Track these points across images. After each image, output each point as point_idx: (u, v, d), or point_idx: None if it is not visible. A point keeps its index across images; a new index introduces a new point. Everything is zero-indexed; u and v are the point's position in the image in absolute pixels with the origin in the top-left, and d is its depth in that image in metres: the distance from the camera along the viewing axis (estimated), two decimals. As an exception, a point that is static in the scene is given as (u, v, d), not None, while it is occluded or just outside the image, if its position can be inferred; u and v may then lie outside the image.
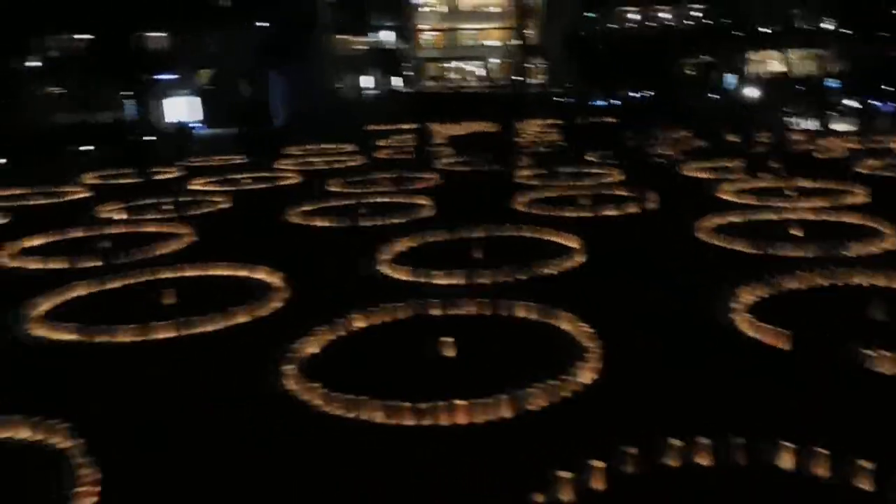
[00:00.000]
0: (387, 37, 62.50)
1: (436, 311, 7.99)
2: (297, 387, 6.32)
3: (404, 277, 9.43)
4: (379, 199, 14.95)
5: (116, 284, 9.68)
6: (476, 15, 66.36)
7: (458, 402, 5.65)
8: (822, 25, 41.19)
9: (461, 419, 5.64)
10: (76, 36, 38.21)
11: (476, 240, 10.72)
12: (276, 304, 8.60)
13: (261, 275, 9.73)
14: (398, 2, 60.56)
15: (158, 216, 14.18)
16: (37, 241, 12.33)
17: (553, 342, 7.10)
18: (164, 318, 7.96)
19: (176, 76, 35.96)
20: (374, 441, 5.50)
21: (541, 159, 19.26)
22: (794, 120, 23.34)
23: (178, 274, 9.94)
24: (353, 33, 53.54)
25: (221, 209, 15.02)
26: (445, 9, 66.38)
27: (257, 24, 37.28)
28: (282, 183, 18.25)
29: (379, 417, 5.74)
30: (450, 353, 6.89)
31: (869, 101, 22.37)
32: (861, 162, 15.89)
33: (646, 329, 7.34)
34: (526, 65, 59.01)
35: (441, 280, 9.15)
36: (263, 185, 17.89)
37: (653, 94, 27.19)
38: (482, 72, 67.12)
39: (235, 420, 5.96)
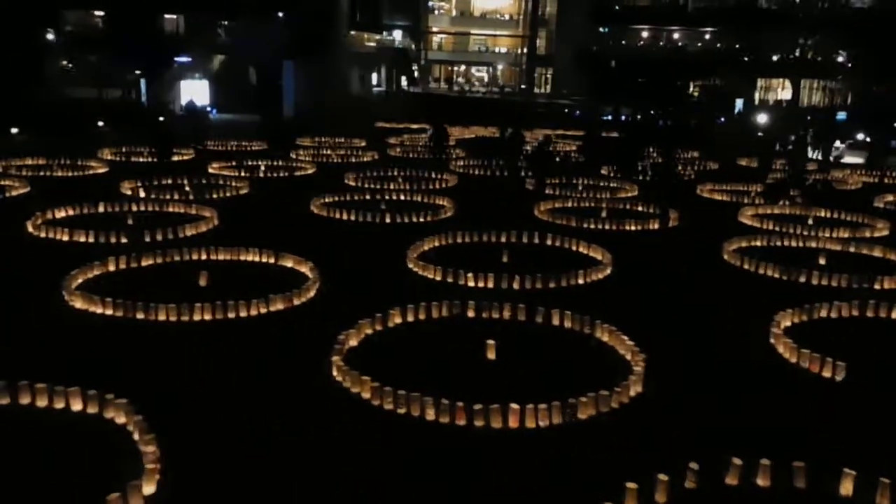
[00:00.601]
0: (398, 36, 62.59)
1: (484, 314, 8.05)
2: (346, 378, 6.36)
3: (435, 276, 9.48)
4: (398, 197, 14.99)
5: (150, 262, 9.68)
6: (487, 21, 66.54)
7: (513, 405, 5.70)
8: (837, 58, 41.57)
9: (512, 422, 5.69)
10: (95, 13, 38.14)
11: (505, 245, 10.80)
12: (310, 294, 8.63)
13: (290, 263, 9.77)
14: (412, 2, 60.62)
15: (180, 197, 14.17)
16: (61, 214, 12.30)
17: (596, 352, 7.17)
18: (202, 299, 7.95)
19: (190, 59, 35.85)
20: (423, 438, 5.54)
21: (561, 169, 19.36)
22: (808, 149, 23.51)
23: (211, 257, 9.96)
24: (367, 30, 53.59)
25: (240, 194, 15.02)
26: (457, 13, 66.54)
27: (279, 14, 37.28)
28: (299, 173, 18.27)
29: (429, 415, 5.79)
30: (492, 355, 6.95)
31: (881, 136, 22.59)
32: (880, 196, 16.07)
33: (687, 344, 7.40)
34: (535, 74, 59.27)
35: (472, 282, 9.22)
36: (282, 174, 17.90)
37: (670, 114, 27.26)
38: (488, 77, 67.33)
39: (285, 408, 5.98)
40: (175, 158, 19.59)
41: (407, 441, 5.50)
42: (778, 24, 42.12)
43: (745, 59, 44.84)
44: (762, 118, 29.93)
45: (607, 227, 12.74)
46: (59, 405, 5.65)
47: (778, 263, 10.08)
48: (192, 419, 5.65)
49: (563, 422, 5.68)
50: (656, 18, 50.49)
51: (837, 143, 24.11)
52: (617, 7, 50.72)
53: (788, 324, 7.94)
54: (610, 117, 36.04)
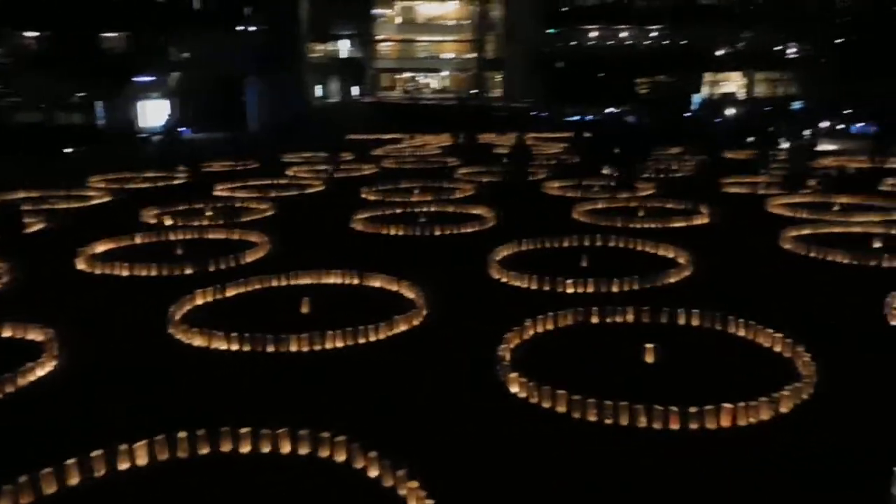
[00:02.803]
0: (345, 46, 62.18)
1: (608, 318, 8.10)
2: (519, 386, 6.33)
3: (526, 285, 9.49)
4: (429, 209, 14.89)
5: (236, 292, 9.36)
6: (433, 27, 66.75)
7: (726, 405, 5.74)
8: (786, 50, 43.45)
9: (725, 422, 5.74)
10: (32, 34, 36.48)
11: (583, 249, 10.91)
12: (423, 312, 8.50)
13: (378, 282, 9.62)
14: (358, 11, 60.26)
15: (210, 222, 13.74)
16: (104, 247, 11.76)
17: (755, 357, 7.28)
18: (322, 327, 7.72)
19: (151, 78, 34.76)
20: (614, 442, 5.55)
21: (557, 172, 19.59)
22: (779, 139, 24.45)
23: (295, 282, 9.71)
24: (316, 41, 53.06)
25: (269, 215, 14.65)
26: (402, 20, 66.51)
27: (243, 27, 36.60)
28: (310, 191, 17.96)
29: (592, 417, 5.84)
30: (649, 358, 7.01)
31: (850, 123, 23.77)
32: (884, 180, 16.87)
33: (833, 342, 7.50)
34: (487, 78, 59.76)
35: (570, 289, 9.26)
36: (294, 192, 17.54)
37: (644, 110, 28.01)
38: (437, 83, 67.51)
39: (462, 414, 5.90)
40: (175, 182, 19.06)
41: (594, 446, 5.49)
42: (720, 20, 43.85)
43: (692, 55, 46.43)
44: (729, 111, 31.03)
45: (653, 225, 12.97)
46: (266, 449, 5.42)
47: (844, 249, 10.48)
48: (412, 445, 5.49)
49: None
50: (603, 18, 51.72)
51: (806, 132, 25.13)
52: (565, 8, 51.72)
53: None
54: (578, 118, 36.69)
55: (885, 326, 7.96)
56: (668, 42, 49.75)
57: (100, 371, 7.13)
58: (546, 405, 6.11)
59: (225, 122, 33.49)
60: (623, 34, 52.83)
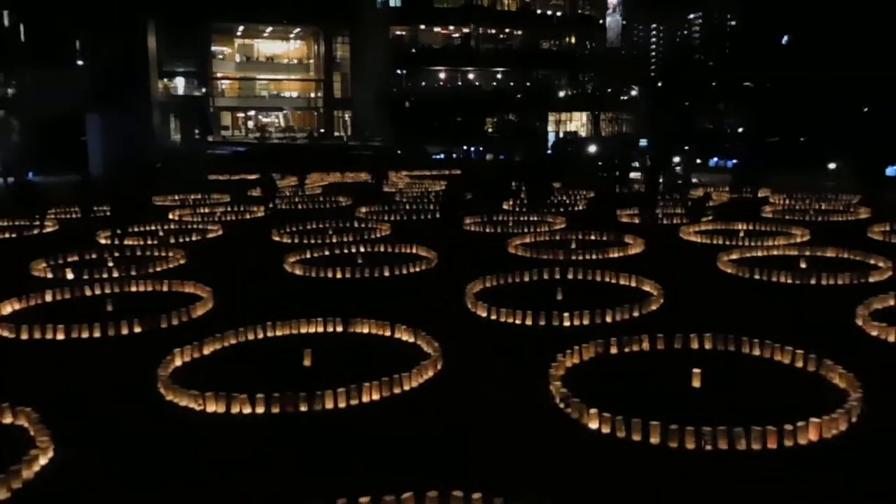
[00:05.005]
0: (181, 83, 59.33)
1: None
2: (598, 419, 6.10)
3: (514, 321, 9.29)
4: (363, 249, 14.27)
5: (213, 348, 8.30)
6: (274, 66, 65.49)
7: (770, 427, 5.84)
8: (630, 91, 47.19)
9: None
10: None
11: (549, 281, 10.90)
12: (436, 355, 8.00)
13: (366, 329, 8.98)
14: (195, 48, 57.78)
15: (121, 274, 12.21)
16: (9, 308, 10.02)
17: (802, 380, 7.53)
18: (337, 382, 7.01)
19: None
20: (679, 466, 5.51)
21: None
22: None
23: (273, 334, 8.80)
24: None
25: (183, 264, 13.30)
26: (242, 58, 64.64)
27: (78, 62, 33.61)
28: (211, 235, 16.60)
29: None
30: (697, 383, 7.05)
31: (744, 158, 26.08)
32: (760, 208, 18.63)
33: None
34: (336, 117, 59.39)
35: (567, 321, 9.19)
36: (196, 237, 16.10)
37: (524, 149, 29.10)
38: (282, 122, 66.12)
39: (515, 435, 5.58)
40: (46, 230, 16.87)
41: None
42: (562, 64, 47.03)
43: (536, 96, 49.26)
44: (592, 148, 33.04)
45: (592, 256, 13.29)
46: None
47: (786, 270, 11.32)
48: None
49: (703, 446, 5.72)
50: (450, 60, 53.41)
51: (675, 160, 27.35)
52: (413, 50, 52.82)
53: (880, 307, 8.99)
54: (443, 156, 37.36)
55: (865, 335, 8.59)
56: (513, 83, 52.38)
57: (111, 459, 5.93)
58: (626, 436, 5.93)
59: (63, 164, 30.45)
60: (470, 75, 54.88)
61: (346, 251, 14.00)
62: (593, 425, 6.19)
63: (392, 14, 54.87)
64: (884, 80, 34.75)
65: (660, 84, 48.81)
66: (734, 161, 25.82)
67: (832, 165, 26.05)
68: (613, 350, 8.07)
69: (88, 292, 10.96)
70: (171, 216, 18.96)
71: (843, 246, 13.11)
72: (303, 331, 9.02)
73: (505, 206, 19.58)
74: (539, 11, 54.93)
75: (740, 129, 41.49)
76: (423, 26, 54.66)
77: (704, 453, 5.72)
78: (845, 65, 36.47)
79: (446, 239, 15.09)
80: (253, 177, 29.84)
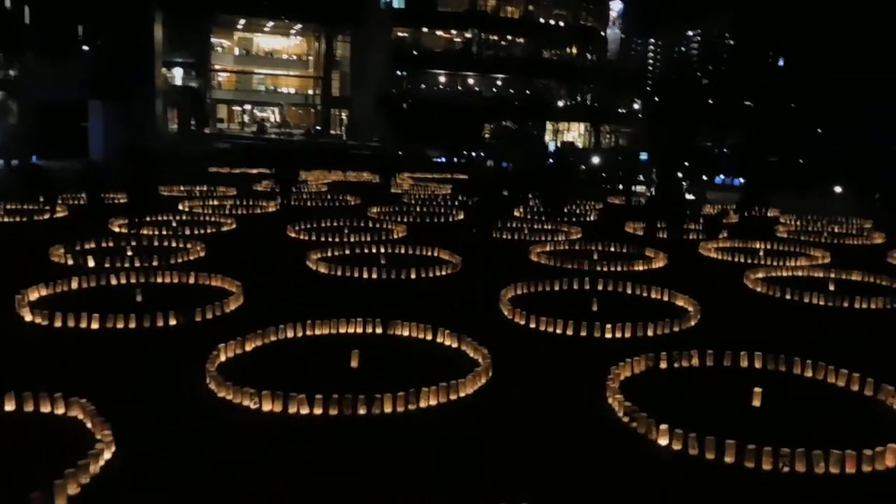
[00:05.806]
0: (179, 74, 58.84)
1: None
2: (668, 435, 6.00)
3: (557, 330, 9.19)
4: (386, 250, 14.10)
5: (254, 345, 8.12)
6: (273, 61, 65.06)
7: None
8: (633, 105, 47.36)
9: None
10: None
11: (585, 293, 10.81)
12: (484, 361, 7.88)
13: (406, 332, 8.83)
14: (194, 39, 57.26)
15: (146, 264, 11.97)
16: (36, 294, 9.76)
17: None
18: (365, 383, 6.88)
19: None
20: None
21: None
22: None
23: (312, 333, 8.63)
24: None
25: (203, 256, 13.07)
26: (241, 51, 64.19)
27: (81, 48, 33.15)
28: (225, 228, 16.36)
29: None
30: (757, 402, 6.98)
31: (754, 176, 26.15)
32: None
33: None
34: (333, 115, 59.10)
35: (608, 333, 9.09)
36: (210, 230, 15.86)
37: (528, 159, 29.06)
38: (276, 117, 65.67)
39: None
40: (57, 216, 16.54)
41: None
42: (562, 74, 47.11)
43: (536, 105, 49.29)
44: (595, 159, 33.08)
45: (621, 267, 13.20)
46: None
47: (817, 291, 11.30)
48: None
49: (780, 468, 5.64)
50: (450, 64, 53.35)
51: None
52: (414, 52, 52.68)
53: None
54: (444, 160, 37.23)
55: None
56: (512, 91, 52.38)
57: (168, 456, 5.74)
58: (703, 455, 5.84)
59: (65, 150, 30.07)
60: (470, 81, 54.83)
61: (366, 251, 13.83)
62: (663, 441, 6.09)
63: (395, 15, 54.76)
64: (884, 80, 34.87)
65: (656, 98, 49.13)
66: (741, 179, 25.91)
67: (838, 189, 26.25)
68: (663, 364, 7.99)
69: (114, 281, 10.71)
70: (181, 207, 18.68)
71: (866, 270, 13.14)
72: (342, 330, 8.85)
73: (516, 214, 19.45)
74: (541, 21, 55.13)
75: (725, 150, 41.55)
76: (425, 29, 54.62)
77: (778, 475, 5.64)
78: (845, 66, 36.63)
79: (470, 244, 14.95)
80: (255, 171, 29.64)
